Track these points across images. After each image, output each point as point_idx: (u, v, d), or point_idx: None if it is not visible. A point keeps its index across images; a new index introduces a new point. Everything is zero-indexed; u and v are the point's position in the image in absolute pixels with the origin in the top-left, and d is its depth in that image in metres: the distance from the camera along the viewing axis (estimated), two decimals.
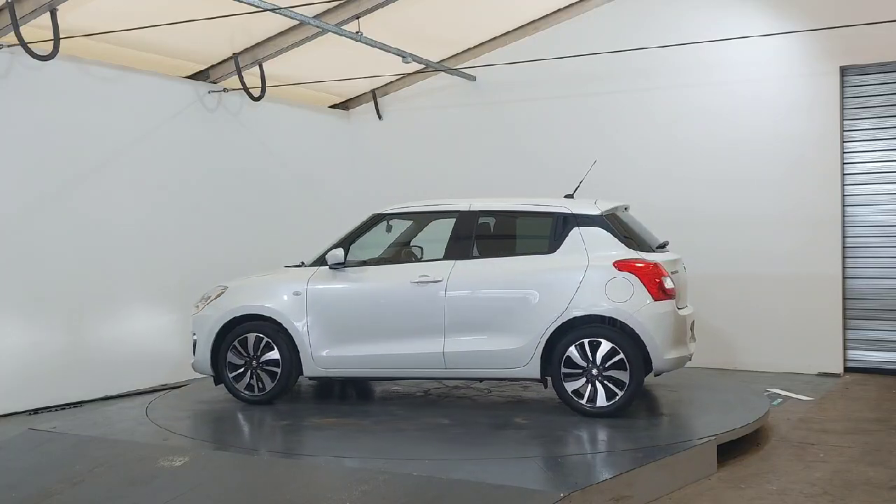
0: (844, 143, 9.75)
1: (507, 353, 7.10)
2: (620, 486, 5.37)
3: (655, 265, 6.98)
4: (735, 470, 6.13)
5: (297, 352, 7.57)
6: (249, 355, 7.66)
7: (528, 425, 6.79)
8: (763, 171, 9.93)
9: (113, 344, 8.96)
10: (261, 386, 7.66)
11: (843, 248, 9.71)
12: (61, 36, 8.01)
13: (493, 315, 7.16)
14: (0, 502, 5.67)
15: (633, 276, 6.88)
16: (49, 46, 8.00)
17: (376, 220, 7.87)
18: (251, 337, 7.65)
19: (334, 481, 5.49)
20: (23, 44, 7.81)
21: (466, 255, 7.40)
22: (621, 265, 6.94)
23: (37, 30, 7.99)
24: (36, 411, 8.08)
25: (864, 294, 9.72)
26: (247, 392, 7.69)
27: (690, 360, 7.41)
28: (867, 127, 9.71)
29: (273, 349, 7.61)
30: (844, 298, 9.73)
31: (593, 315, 6.91)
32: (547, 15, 10.97)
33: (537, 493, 5.13)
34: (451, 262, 7.38)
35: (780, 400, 8.35)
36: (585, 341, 6.90)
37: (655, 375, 7.22)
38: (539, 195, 7.93)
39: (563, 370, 6.94)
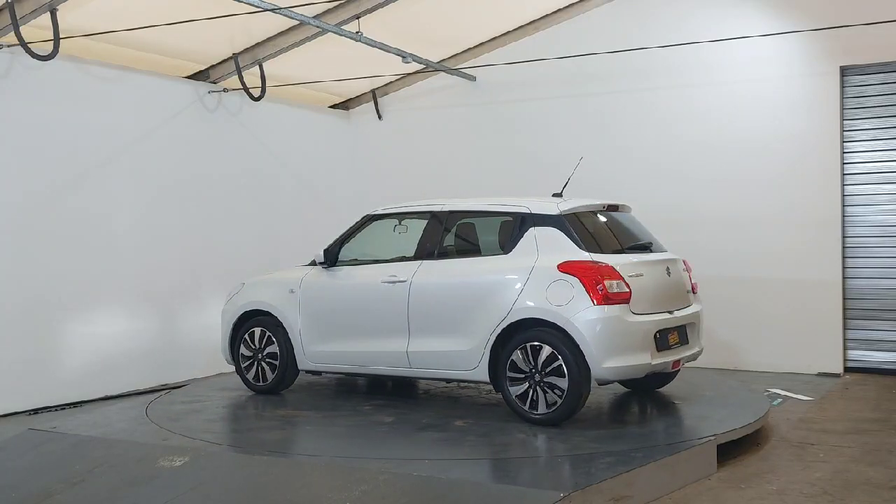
0: (844, 143, 9.75)
1: (460, 355, 7.07)
2: (620, 486, 5.37)
3: (599, 267, 6.62)
4: (735, 470, 6.13)
5: (292, 346, 8.01)
6: (256, 348, 8.19)
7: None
8: (763, 171, 9.93)
9: (113, 343, 8.96)
10: (264, 376, 8.20)
11: (843, 248, 9.71)
12: (61, 36, 8.01)
13: (449, 316, 7.15)
14: (0, 502, 5.68)
15: (575, 278, 6.59)
16: (49, 46, 8.00)
17: (368, 220, 8.08)
18: (257, 331, 8.20)
19: (334, 481, 5.50)
20: (23, 44, 7.81)
21: (433, 256, 7.45)
22: (564, 267, 6.67)
23: (37, 30, 7.99)
24: (36, 411, 8.08)
25: (864, 294, 9.72)
26: (254, 381, 8.26)
27: (674, 366, 7.01)
28: (867, 127, 9.70)
29: (273, 343, 8.09)
30: (844, 298, 9.73)
31: (534, 318, 6.70)
32: (547, 15, 10.97)
33: (537, 493, 5.13)
34: (418, 263, 7.46)
35: (780, 400, 8.35)
36: (528, 345, 6.70)
37: (599, 385, 6.83)
38: (538, 195, 7.91)
39: (509, 374, 6.80)
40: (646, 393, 7.83)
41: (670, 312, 7.05)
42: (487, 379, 6.98)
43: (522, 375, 6.75)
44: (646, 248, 7.36)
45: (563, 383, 6.56)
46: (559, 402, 6.60)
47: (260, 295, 8.26)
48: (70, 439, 6.72)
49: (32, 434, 6.93)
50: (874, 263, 9.68)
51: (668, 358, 6.90)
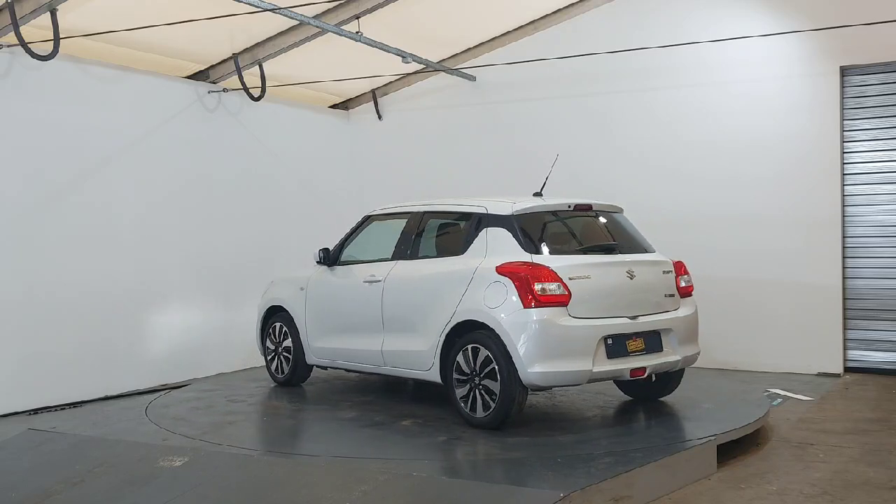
0: (844, 143, 9.75)
1: (419, 355, 7.12)
2: (620, 486, 5.37)
3: (530, 269, 6.44)
4: (735, 470, 6.13)
5: (301, 341, 8.39)
6: (277, 342, 8.70)
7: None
8: (763, 171, 9.93)
9: (113, 344, 8.95)
10: (282, 369, 8.68)
11: (843, 248, 9.70)
12: (61, 36, 8.00)
13: (412, 316, 7.21)
14: (0, 502, 5.68)
15: (508, 280, 6.45)
16: (49, 46, 7.99)
17: (367, 220, 8.28)
18: (277, 326, 8.69)
19: (334, 481, 5.50)
20: (23, 44, 7.80)
21: (405, 256, 7.54)
22: (500, 269, 6.55)
23: (37, 30, 7.99)
24: (36, 411, 8.07)
25: (864, 294, 9.71)
26: (275, 373, 8.80)
27: (634, 374, 6.65)
28: (867, 127, 9.70)
29: (288, 338, 8.49)
30: (844, 298, 9.72)
31: (473, 321, 6.64)
32: (547, 15, 10.96)
33: (537, 493, 5.13)
34: (393, 263, 7.57)
35: (780, 400, 8.35)
36: (469, 347, 6.67)
37: (532, 390, 6.63)
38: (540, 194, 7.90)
39: (455, 376, 6.78)
40: (647, 399, 7.61)
41: (632, 318, 6.74)
42: (440, 380, 6.97)
43: (465, 377, 6.73)
44: (609, 249, 7.09)
45: (497, 387, 6.49)
46: (493, 405, 6.53)
47: (279, 292, 8.74)
48: (70, 439, 6.73)
49: (32, 434, 6.93)
50: (874, 264, 9.68)
51: (622, 366, 6.58)
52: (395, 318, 7.38)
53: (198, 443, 6.49)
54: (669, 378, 7.36)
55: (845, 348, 9.76)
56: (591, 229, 7.37)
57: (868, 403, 8.27)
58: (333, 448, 6.45)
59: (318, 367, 8.48)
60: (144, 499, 5.50)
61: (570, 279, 6.49)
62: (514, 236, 6.74)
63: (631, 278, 6.82)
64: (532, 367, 6.33)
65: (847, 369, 9.73)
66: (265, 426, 7.33)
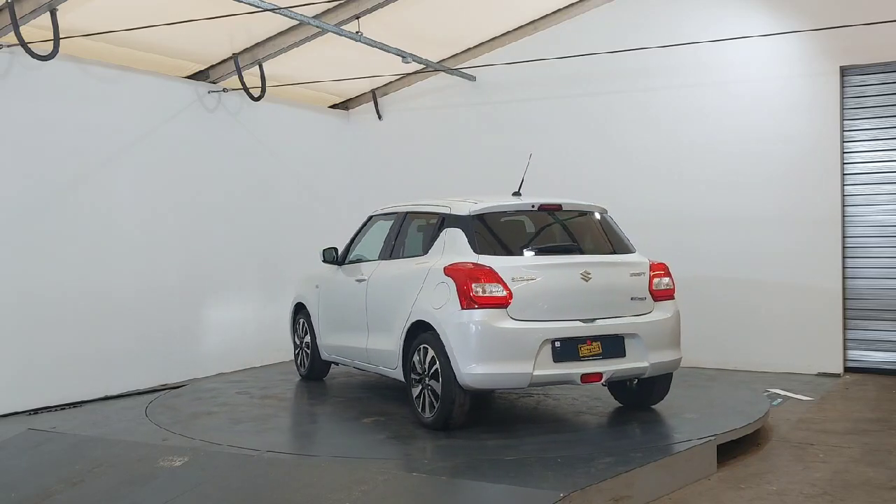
0: (844, 143, 9.75)
1: (388, 354, 7.20)
2: (620, 486, 5.38)
3: (469, 270, 6.38)
4: (735, 470, 6.13)
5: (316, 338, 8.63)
6: (301, 337, 9.02)
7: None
8: (763, 171, 9.92)
9: (113, 343, 8.95)
10: (304, 364, 8.99)
11: (843, 248, 9.70)
12: (61, 36, 8.00)
13: (385, 315, 7.30)
14: (0, 502, 5.68)
15: (451, 280, 6.42)
16: (49, 46, 7.99)
17: (371, 220, 8.40)
18: (301, 322, 8.99)
19: (334, 481, 5.50)
20: (23, 44, 7.80)
21: (387, 256, 7.65)
22: (447, 269, 6.52)
23: (37, 30, 7.99)
24: (36, 411, 8.07)
25: (864, 294, 9.71)
26: (298, 367, 9.15)
27: (586, 380, 6.41)
28: (867, 127, 9.70)
29: (307, 334, 8.84)
30: (844, 298, 9.72)
31: (422, 321, 6.64)
32: (547, 15, 10.97)
33: (537, 493, 5.14)
34: (378, 262, 7.70)
35: (780, 400, 8.34)
36: (420, 348, 6.67)
37: (467, 391, 6.41)
38: (536, 195, 7.87)
39: (411, 375, 6.80)
40: (637, 406, 7.33)
41: (587, 321, 6.49)
42: (403, 378, 7.02)
43: (418, 377, 6.75)
44: (567, 250, 6.90)
45: (439, 388, 6.49)
46: (436, 406, 6.53)
47: (302, 289, 9.03)
48: (70, 439, 6.73)
49: (32, 434, 6.94)
50: (874, 263, 9.67)
51: (571, 370, 6.35)
52: (375, 317, 7.51)
53: (198, 443, 6.49)
54: (653, 384, 7.05)
55: (845, 348, 9.75)
56: (554, 230, 7.23)
57: (868, 403, 8.27)
58: (265, 441, 6.60)
59: (333, 363, 8.71)
60: (144, 499, 5.50)
61: (514, 280, 6.37)
62: (467, 237, 6.71)
63: (586, 280, 6.55)
64: (468, 368, 6.27)
65: (847, 369, 9.73)
66: (238, 416, 7.43)
